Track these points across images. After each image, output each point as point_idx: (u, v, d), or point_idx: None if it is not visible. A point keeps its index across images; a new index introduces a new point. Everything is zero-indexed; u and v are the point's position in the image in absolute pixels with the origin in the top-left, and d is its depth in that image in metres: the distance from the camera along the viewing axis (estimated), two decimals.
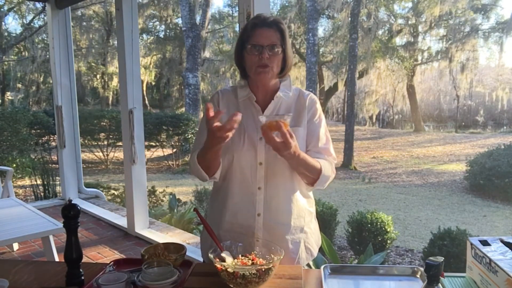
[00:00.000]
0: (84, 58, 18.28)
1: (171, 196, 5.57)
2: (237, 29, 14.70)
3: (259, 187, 1.37)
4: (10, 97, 18.22)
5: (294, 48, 17.26)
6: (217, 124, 1.16)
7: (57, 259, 2.76)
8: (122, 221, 4.03)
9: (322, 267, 1.27)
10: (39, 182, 5.49)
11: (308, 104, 1.43)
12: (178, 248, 1.31)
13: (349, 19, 13.69)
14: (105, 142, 11.05)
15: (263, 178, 1.37)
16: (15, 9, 16.19)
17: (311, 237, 1.49)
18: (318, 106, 1.46)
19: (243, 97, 1.42)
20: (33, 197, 5.69)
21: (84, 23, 17.81)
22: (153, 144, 11.35)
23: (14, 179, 6.50)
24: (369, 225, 4.24)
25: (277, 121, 1.16)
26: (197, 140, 1.49)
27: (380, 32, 17.31)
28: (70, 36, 4.63)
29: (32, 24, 16.48)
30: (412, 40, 18.13)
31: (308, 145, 1.42)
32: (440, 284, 0.94)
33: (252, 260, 1.21)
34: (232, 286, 1.13)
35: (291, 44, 1.40)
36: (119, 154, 11.17)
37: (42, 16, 15.63)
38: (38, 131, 10.02)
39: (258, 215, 1.37)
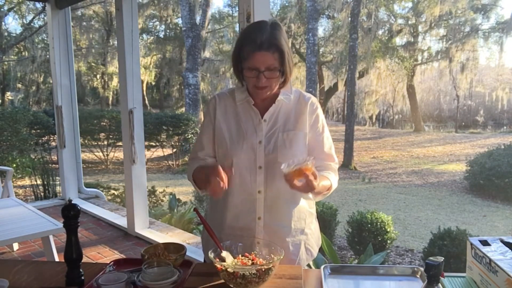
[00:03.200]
0: (84, 58, 18.28)
1: (171, 196, 5.57)
2: (237, 29, 14.70)
3: (259, 191, 1.36)
4: (10, 97, 18.22)
5: (294, 48, 17.25)
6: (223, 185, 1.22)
7: (57, 259, 2.76)
8: (122, 221, 4.03)
9: (322, 267, 1.27)
10: (39, 182, 5.48)
11: (310, 110, 1.41)
12: (178, 248, 1.31)
13: (349, 19, 13.69)
14: (105, 142, 11.05)
15: (263, 182, 1.36)
16: (15, 9, 16.18)
17: (311, 238, 1.49)
18: (320, 110, 1.45)
19: (241, 100, 1.41)
20: (33, 197, 5.68)
21: (84, 23, 17.81)
22: (153, 144, 11.35)
23: (14, 179, 6.50)
24: (369, 225, 4.23)
25: (300, 169, 1.15)
26: (197, 143, 1.50)
27: (380, 32, 17.31)
28: (70, 36, 4.63)
29: (32, 24, 16.48)
30: (412, 40, 18.13)
31: (311, 151, 1.41)
32: (440, 284, 0.94)
33: (252, 260, 1.21)
34: (232, 286, 1.13)
35: (290, 55, 1.33)
36: (119, 154, 11.17)
37: (42, 16, 15.63)
38: (38, 131, 10.01)
39: (258, 219, 1.37)
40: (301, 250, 1.44)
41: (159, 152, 11.92)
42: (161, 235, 3.70)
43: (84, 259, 1.22)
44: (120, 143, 10.37)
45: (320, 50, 17.56)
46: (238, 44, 1.33)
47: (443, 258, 0.94)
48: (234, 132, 1.39)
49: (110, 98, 20.55)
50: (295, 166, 1.16)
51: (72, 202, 1.19)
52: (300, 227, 1.43)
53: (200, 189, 1.40)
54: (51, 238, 2.78)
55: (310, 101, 1.43)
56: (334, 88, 18.59)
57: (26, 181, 7.00)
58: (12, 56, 16.99)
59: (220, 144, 1.41)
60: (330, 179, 1.37)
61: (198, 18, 13.48)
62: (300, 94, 1.45)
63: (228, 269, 1.11)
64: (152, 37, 20.44)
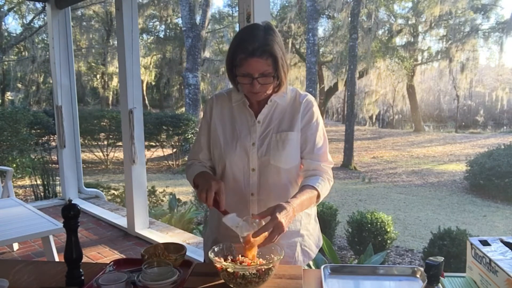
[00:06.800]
0: (84, 58, 18.28)
1: (171, 196, 5.57)
2: (237, 29, 14.68)
3: (252, 193, 1.36)
4: (10, 97, 18.23)
5: (294, 48, 17.24)
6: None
7: (57, 259, 2.76)
8: (122, 221, 4.03)
9: (322, 267, 1.27)
10: (39, 182, 5.48)
11: (303, 109, 1.38)
12: (178, 248, 1.31)
13: (349, 19, 13.69)
14: (105, 142, 11.05)
15: (256, 184, 1.35)
16: (15, 9, 16.18)
17: (309, 239, 1.47)
18: (315, 109, 1.41)
19: (237, 101, 1.40)
20: (33, 197, 5.69)
21: (84, 23, 17.81)
22: (153, 144, 11.35)
23: (14, 179, 6.50)
24: (369, 225, 4.24)
25: (254, 232, 1.15)
26: (196, 143, 1.50)
27: (380, 32, 17.31)
28: (70, 36, 4.63)
29: (32, 24, 16.47)
30: (412, 40, 18.13)
31: (303, 150, 1.39)
32: (440, 284, 0.94)
33: (252, 260, 1.20)
34: (232, 286, 1.13)
35: (285, 59, 1.29)
36: (119, 154, 11.17)
37: (42, 16, 15.63)
38: (38, 131, 10.02)
39: None
40: (296, 251, 1.43)
41: (159, 152, 11.92)
42: (161, 235, 3.70)
43: (84, 259, 1.22)
44: (120, 143, 10.37)
45: (320, 50, 17.54)
46: (230, 50, 1.30)
47: (443, 258, 0.94)
48: (229, 133, 1.38)
49: (110, 98, 20.55)
50: (248, 228, 1.18)
51: (72, 202, 1.19)
52: (295, 229, 1.41)
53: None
54: (51, 238, 2.78)
55: (305, 99, 1.40)
56: (334, 88, 18.59)
57: (26, 181, 7.00)
58: (12, 56, 16.99)
59: (215, 145, 1.41)
60: (317, 188, 1.31)
61: (198, 18, 13.48)
62: (297, 93, 1.42)
63: (228, 269, 1.11)
64: (152, 37, 20.44)
